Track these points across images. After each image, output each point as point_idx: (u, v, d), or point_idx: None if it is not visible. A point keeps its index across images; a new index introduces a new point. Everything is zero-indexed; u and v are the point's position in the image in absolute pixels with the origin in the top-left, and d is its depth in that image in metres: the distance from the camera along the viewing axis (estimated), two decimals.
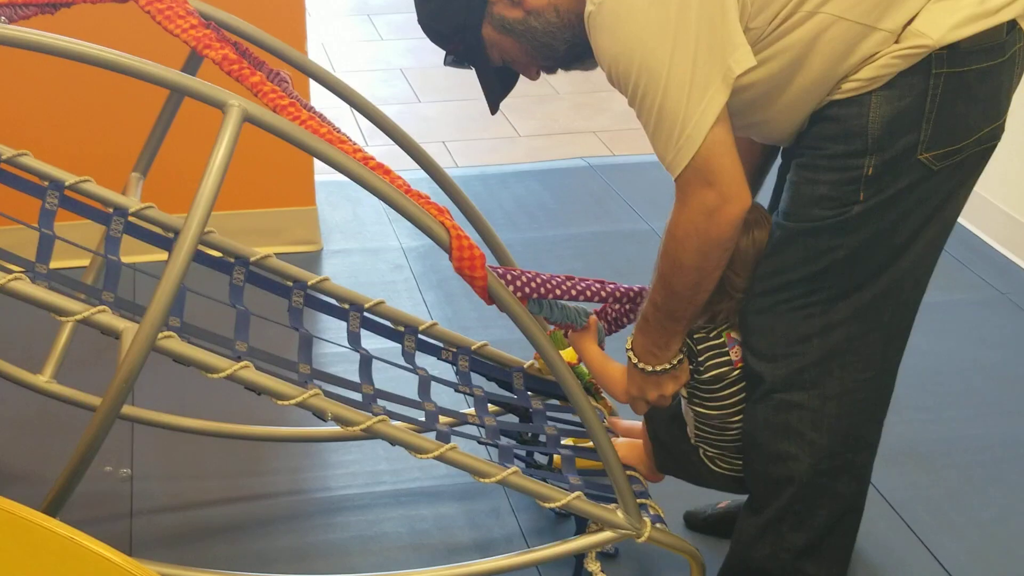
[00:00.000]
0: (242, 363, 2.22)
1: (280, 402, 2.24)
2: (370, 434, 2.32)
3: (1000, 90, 2.15)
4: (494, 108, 2.44)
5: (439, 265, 4.01)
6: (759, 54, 2.10)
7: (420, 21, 2.37)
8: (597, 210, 4.50)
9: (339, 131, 2.41)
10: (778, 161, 2.46)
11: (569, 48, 2.27)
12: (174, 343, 2.15)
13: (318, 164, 4.14)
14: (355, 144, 2.36)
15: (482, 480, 2.40)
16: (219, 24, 2.58)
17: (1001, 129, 2.19)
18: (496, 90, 2.41)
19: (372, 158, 2.35)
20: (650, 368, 2.37)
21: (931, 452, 3.11)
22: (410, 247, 4.15)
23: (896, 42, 2.08)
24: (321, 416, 2.29)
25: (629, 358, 2.40)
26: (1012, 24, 2.12)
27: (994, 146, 2.20)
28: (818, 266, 2.21)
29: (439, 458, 2.35)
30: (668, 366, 2.37)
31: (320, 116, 2.44)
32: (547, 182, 4.74)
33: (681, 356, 2.37)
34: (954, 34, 2.07)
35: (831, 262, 2.20)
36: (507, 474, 2.41)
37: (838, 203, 2.16)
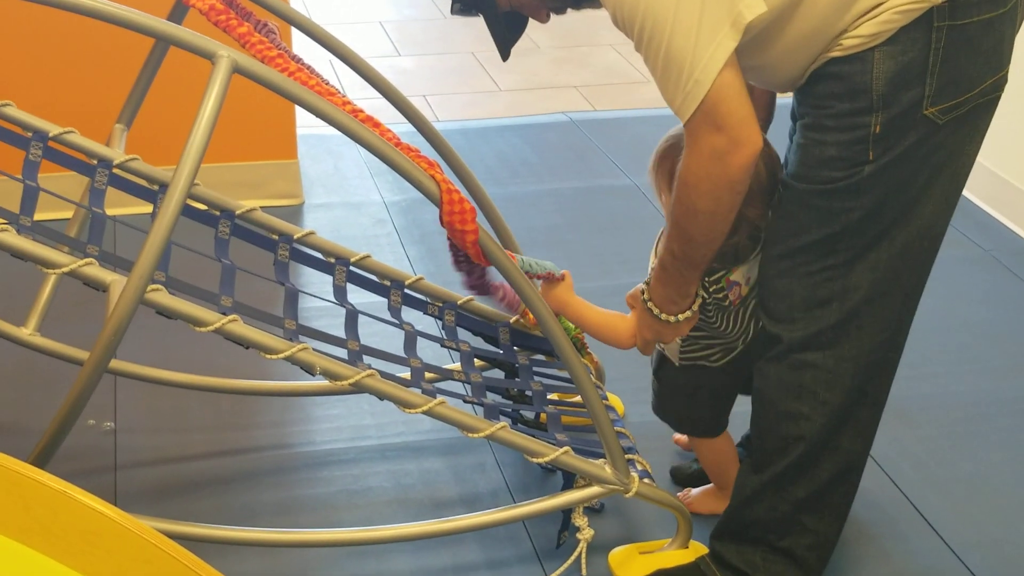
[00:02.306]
0: (230, 317, 2.20)
1: (269, 356, 2.23)
2: (358, 389, 2.31)
3: (1002, 41, 2.14)
4: (505, 54, 2.41)
5: (421, 219, 3.99)
6: None
7: None
8: (579, 165, 4.48)
9: (328, 83, 2.39)
10: (787, 121, 2.45)
11: None
12: (162, 296, 2.13)
13: (299, 117, 4.11)
14: (344, 96, 2.34)
15: (470, 435, 2.39)
16: None
17: (1004, 80, 2.18)
18: (506, 36, 2.38)
19: (361, 110, 2.34)
20: (673, 318, 2.37)
21: (915, 408, 3.11)
22: (392, 201, 4.13)
23: None
24: (309, 371, 2.28)
25: (650, 309, 2.39)
26: None
27: (998, 97, 2.19)
28: (833, 228, 2.20)
29: (428, 413, 2.34)
30: (689, 313, 2.38)
31: (309, 68, 2.42)
32: (528, 137, 4.72)
33: (698, 299, 2.39)
34: None
35: (846, 224, 2.19)
36: (495, 429, 2.40)
37: (848, 163, 2.15)
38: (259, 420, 3.03)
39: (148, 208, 2.73)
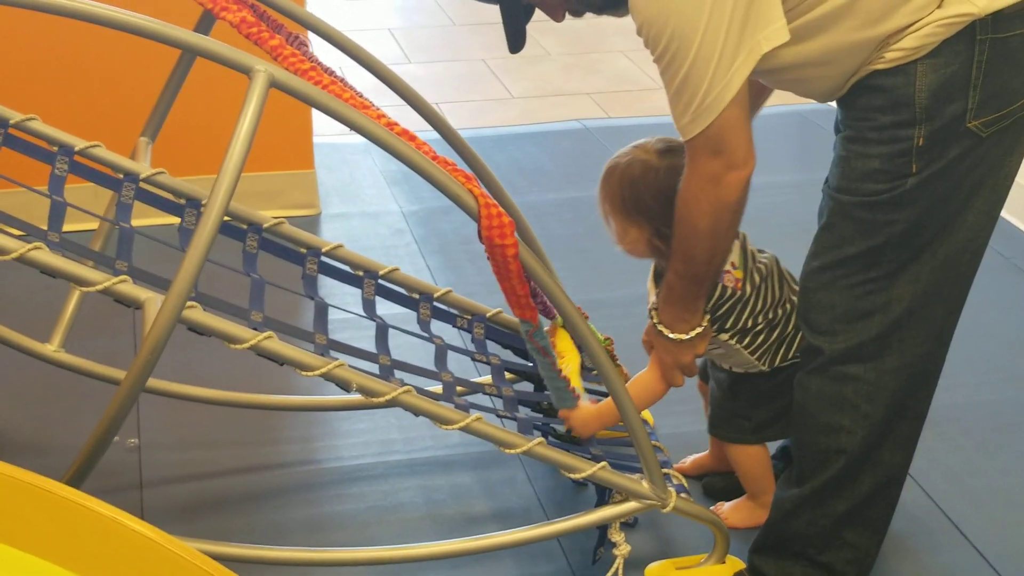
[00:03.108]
0: (266, 333, 2.17)
1: (305, 373, 2.20)
2: (395, 404, 2.28)
3: None
4: (516, 47, 2.38)
5: (441, 229, 3.96)
6: (801, 18, 2.08)
7: None
8: (596, 173, 4.37)
9: (361, 95, 2.36)
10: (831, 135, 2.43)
11: None
12: (199, 314, 2.11)
13: (316, 126, 4.08)
14: (378, 109, 2.31)
15: (508, 451, 2.36)
16: None
17: None
18: (520, 28, 2.35)
19: (396, 123, 2.30)
20: (685, 336, 2.36)
21: (945, 418, 3.08)
22: (410, 211, 4.10)
23: (939, 7, 2.05)
24: (345, 387, 2.25)
25: (661, 332, 2.38)
26: None
27: None
28: (876, 240, 2.18)
29: (465, 429, 2.32)
30: (700, 328, 2.38)
31: (342, 80, 2.39)
32: (543, 144, 4.69)
33: (707, 315, 2.39)
34: (1000, 1, 2.04)
35: (889, 236, 2.17)
36: (532, 444, 2.37)
37: (891, 176, 2.14)
38: (285, 435, 3.00)
39: (167, 219, 2.69)
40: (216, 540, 2.39)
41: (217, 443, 2.95)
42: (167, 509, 2.73)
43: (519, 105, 5.11)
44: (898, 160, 2.13)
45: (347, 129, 2.14)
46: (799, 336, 2.48)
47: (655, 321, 2.41)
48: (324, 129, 4.35)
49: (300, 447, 2.96)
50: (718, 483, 2.82)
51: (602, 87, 5.29)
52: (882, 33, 2.08)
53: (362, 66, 2.73)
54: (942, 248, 2.21)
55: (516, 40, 2.36)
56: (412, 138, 2.30)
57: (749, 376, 2.57)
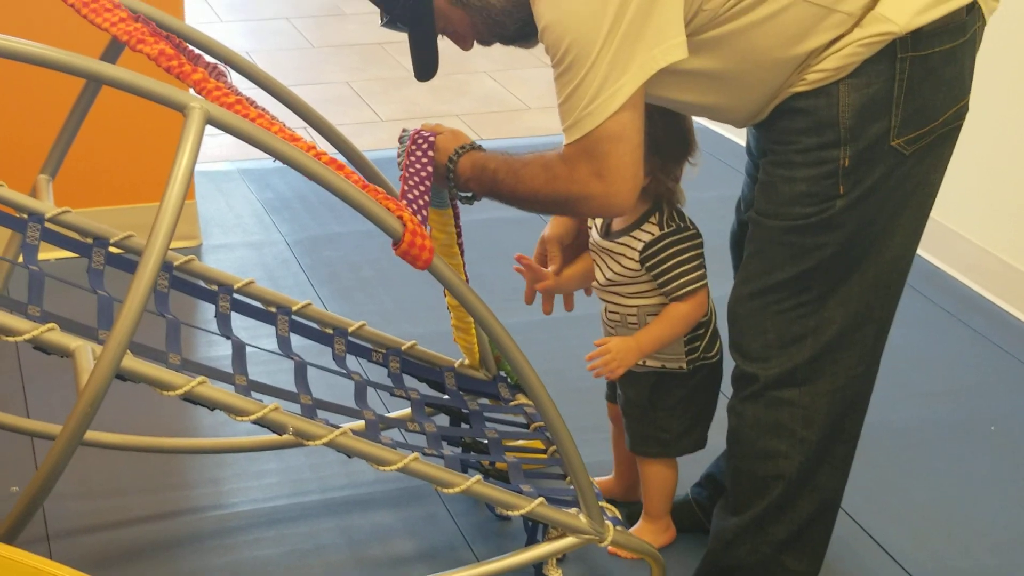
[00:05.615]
0: (199, 379, 2.09)
1: (240, 418, 2.13)
2: (331, 447, 2.21)
3: (964, 70, 2.16)
4: (427, 74, 2.32)
5: (328, 258, 3.88)
6: (710, 32, 2.07)
7: None
8: None
9: (285, 125, 2.29)
10: (737, 156, 2.42)
11: (519, 28, 2.20)
12: (133, 362, 2.01)
13: None
14: (306, 140, 2.24)
15: (446, 491, 2.31)
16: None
17: (966, 108, 2.19)
18: (432, 56, 2.29)
19: (324, 153, 2.23)
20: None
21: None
22: (295, 240, 4.00)
23: (859, 26, 2.06)
24: (279, 431, 2.18)
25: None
26: (972, 3, 2.11)
27: (960, 126, 2.20)
28: (806, 264, 2.18)
29: (403, 470, 2.26)
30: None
31: (263, 109, 2.31)
32: None
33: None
34: (920, 18, 2.06)
35: (819, 259, 2.17)
36: (471, 483, 2.32)
37: (819, 199, 2.14)
38: (194, 479, 2.89)
39: (57, 253, 2.57)
40: None
41: (124, 490, 2.83)
42: (78, 561, 2.60)
43: (389, 127, 5.04)
44: (825, 182, 2.13)
45: (219, 156, 2.07)
46: (716, 339, 2.54)
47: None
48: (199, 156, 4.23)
49: (211, 490, 2.86)
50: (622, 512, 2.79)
51: (471, 108, 5.25)
52: (801, 53, 2.08)
53: (267, 91, 2.67)
54: (871, 268, 2.21)
55: (427, 67, 2.31)
56: (341, 167, 2.24)
57: (665, 382, 2.55)
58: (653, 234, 2.43)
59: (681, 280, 2.42)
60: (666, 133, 2.36)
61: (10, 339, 2.00)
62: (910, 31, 2.05)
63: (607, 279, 2.50)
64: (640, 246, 2.43)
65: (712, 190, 3.62)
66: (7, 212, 2.52)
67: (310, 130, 2.74)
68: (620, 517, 2.53)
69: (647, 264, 2.43)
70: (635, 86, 2.03)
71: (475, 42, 2.28)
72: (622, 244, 2.46)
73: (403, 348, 2.78)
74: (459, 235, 2.57)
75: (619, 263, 2.47)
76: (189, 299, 2.67)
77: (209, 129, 1.96)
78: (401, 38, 2.27)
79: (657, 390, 2.57)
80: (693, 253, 2.44)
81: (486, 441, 2.63)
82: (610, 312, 2.54)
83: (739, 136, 2.45)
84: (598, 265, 2.52)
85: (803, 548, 2.41)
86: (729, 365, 2.43)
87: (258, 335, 2.80)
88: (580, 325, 2.90)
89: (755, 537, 2.38)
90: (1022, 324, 3.68)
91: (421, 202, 2.26)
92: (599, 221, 2.52)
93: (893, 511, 2.88)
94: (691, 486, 2.75)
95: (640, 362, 2.51)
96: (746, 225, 2.31)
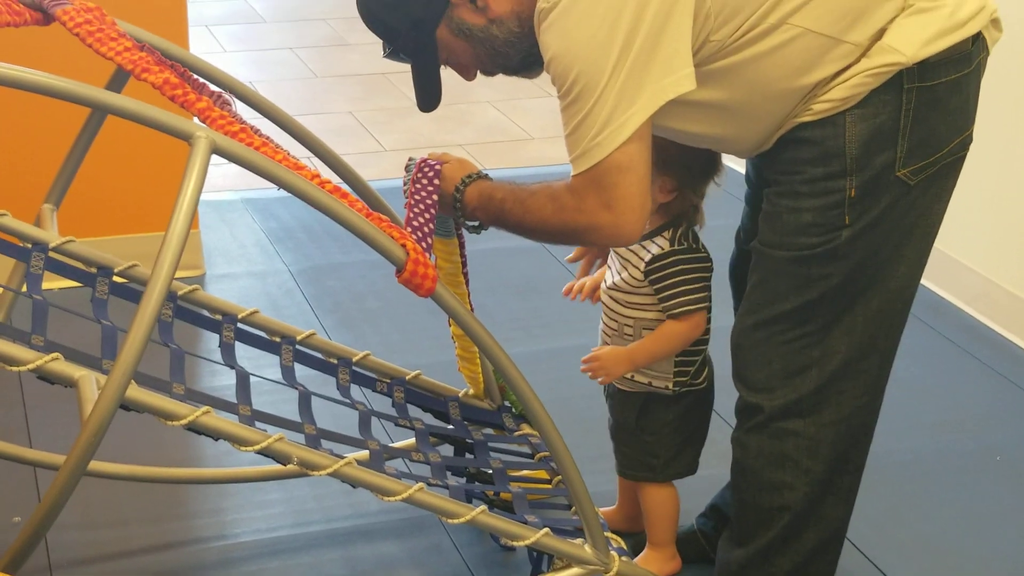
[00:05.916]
0: (204, 408, 2.08)
1: (244, 448, 2.12)
2: (336, 477, 2.20)
3: (968, 100, 2.16)
4: (431, 105, 2.32)
5: (332, 288, 3.87)
6: (717, 63, 2.07)
7: (367, 11, 2.25)
8: None
9: (289, 153, 2.28)
10: (743, 186, 2.42)
11: (523, 58, 2.21)
12: (138, 392, 2.00)
13: None
14: (311, 168, 2.24)
15: (451, 521, 2.30)
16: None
17: (970, 138, 2.19)
18: (436, 86, 2.29)
19: (328, 181, 2.23)
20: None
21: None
22: (298, 270, 4.00)
23: (866, 57, 2.06)
24: (284, 461, 2.17)
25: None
26: (977, 34, 2.12)
27: (964, 156, 2.20)
28: (811, 295, 2.17)
29: (408, 500, 2.24)
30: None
31: (267, 138, 2.31)
32: None
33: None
34: (927, 49, 2.06)
35: (824, 290, 2.16)
36: (475, 513, 2.30)
37: (825, 229, 2.13)
38: (196, 509, 2.88)
39: (61, 283, 2.57)
40: None
41: (126, 520, 2.82)
42: None
43: (392, 157, 5.04)
44: (831, 213, 2.13)
45: (222, 186, 2.07)
46: (706, 366, 2.54)
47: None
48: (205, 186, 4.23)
49: (214, 520, 2.85)
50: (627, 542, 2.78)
51: (474, 138, 5.26)
52: (808, 83, 2.08)
53: (266, 117, 2.67)
54: (876, 298, 2.20)
55: (430, 98, 2.31)
56: (344, 195, 2.24)
57: (652, 406, 2.55)
58: (663, 248, 2.44)
59: (680, 299, 2.43)
60: (695, 149, 2.35)
61: (14, 369, 1.99)
62: (917, 62, 2.06)
63: (612, 283, 2.51)
64: (648, 257, 2.44)
65: (715, 219, 3.60)
66: (11, 241, 2.52)
67: (314, 159, 2.73)
68: (626, 547, 2.52)
69: (651, 277, 2.44)
70: (644, 117, 2.02)
71: (478, 72, 2.28)
72: (632, 251, 2.47)
73: (407, 378, 2.77)
74: (464, 264, 2.57)
75: (626, 269, 2.48)
76: (193, 329, 2.66)
77: (213, 158, 1.95)
78: (404, 68, 2.27)
79: (644, 414, 2.57)
80: (698, 275, 2.44)
81: (491, 471, 2.62)
82: (608, 321, 2.54)
83: (739, 164, 2.44)
84: (610, 266, 2.53)
85: None
86: (722, 393, 2.42)
87: (262, 365, 2.79)
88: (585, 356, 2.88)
89: (760, 569, 2.37)
90: None
91: (426, 230, 2.25)
92: None
93: (899, 542, 2.86)
94: (696, 517, 2.74)
95: (629, 376, 2.53)
96: (747, 254, 2.30)
